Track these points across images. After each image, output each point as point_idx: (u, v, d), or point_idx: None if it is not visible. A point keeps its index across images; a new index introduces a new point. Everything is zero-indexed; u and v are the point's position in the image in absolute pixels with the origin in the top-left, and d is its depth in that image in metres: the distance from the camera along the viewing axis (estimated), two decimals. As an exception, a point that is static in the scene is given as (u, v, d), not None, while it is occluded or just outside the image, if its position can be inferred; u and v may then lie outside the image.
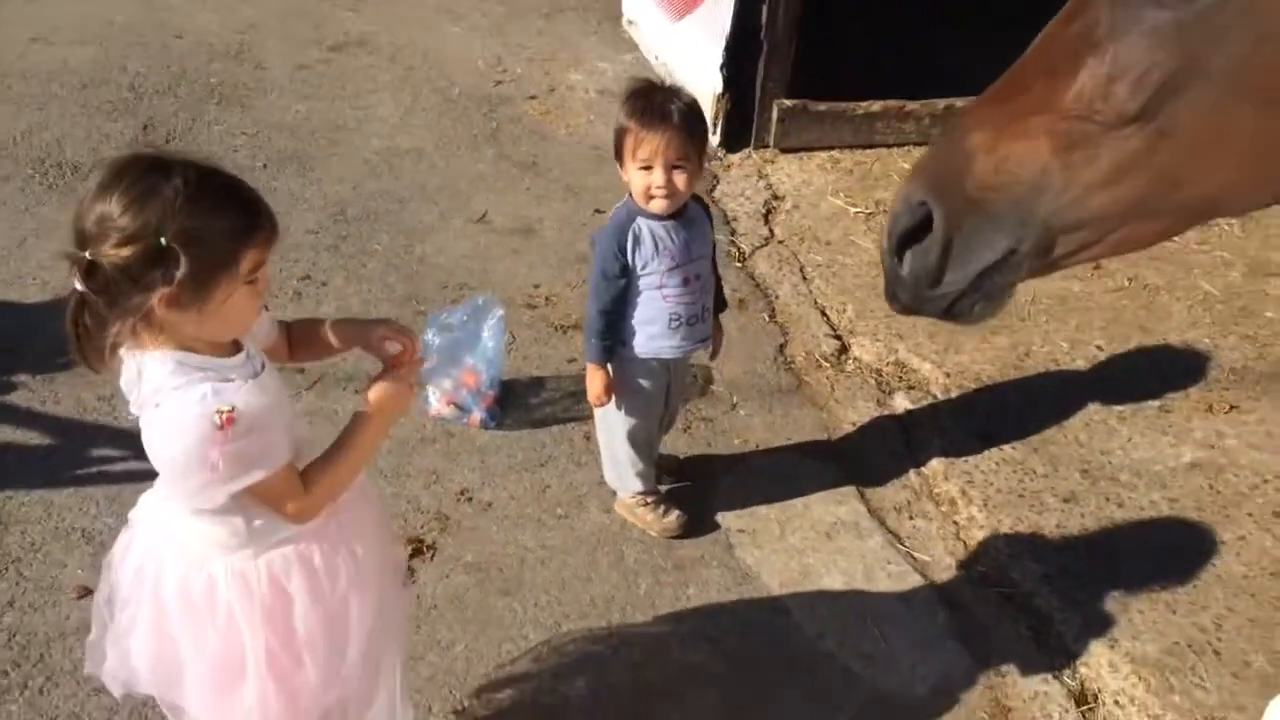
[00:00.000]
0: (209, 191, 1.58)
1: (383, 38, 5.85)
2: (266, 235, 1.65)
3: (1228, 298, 4.02)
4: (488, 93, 5.38)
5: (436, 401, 3.31)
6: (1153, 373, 3.62)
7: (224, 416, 1.57)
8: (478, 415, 3.30)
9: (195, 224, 1.54)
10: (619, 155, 2.59)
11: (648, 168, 2.53)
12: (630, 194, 2.61)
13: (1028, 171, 1.49)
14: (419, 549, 2.88)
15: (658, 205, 2.57)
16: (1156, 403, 3.49)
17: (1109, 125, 1.44)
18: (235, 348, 1.72)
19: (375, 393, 1.81)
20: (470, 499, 3.06)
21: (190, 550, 1.77)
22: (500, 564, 2.87)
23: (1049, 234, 1.53)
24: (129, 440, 3.06)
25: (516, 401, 3.43)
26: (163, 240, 1.52)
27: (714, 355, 2.96)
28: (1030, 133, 1.48)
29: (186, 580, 1.77)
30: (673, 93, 2.60)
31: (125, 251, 1.52)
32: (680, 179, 2.54)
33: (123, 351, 1.62)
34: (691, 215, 2.67)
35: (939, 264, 1.56)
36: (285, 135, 4.84)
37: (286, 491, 1.70)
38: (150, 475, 1.89)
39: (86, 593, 2.67)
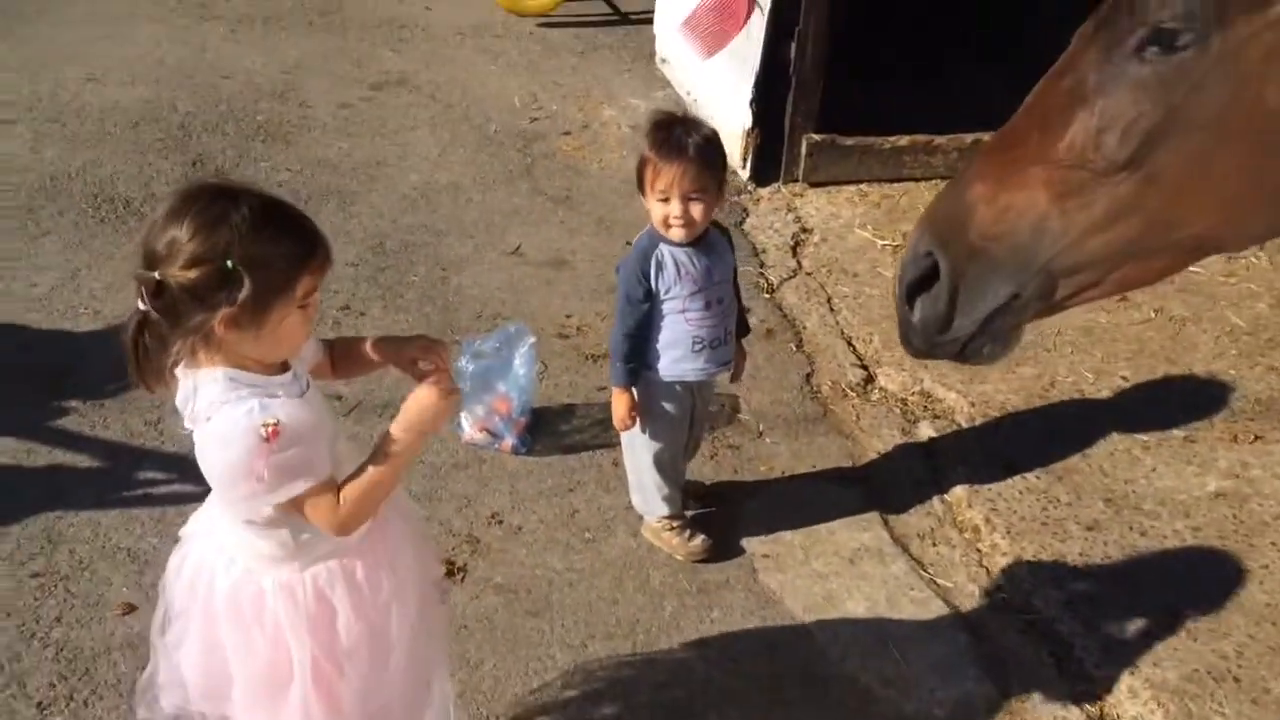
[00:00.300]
0: (272, 219, 1.70)
1: (422, 76, 6.01)
2: (321, 263, 1.75)
3: (1254, 329, 4.03)
4: (523, 129, 5.52)
5: (469, 427, 3.40)
6: (1178, 403, 3.64)
7: (269, 429, 1.67)
8: (509, 441, 3.39)
9: (259, 250, 1.65)
10: (640, 185, 2.69)
11: (665, 198, 2.63)
12: (651, 222, 2.71)
13: (1026, 220, 1.58)
14: (450, 570, 2.96)
15: (675, 234, 2.66)
16: (1181, 432, 3.51)
17: (1101, 173, 1.52)
18: (283, 367, 1.82)
19: (412, 404, 1.84)
20: (500, 522, 3.14)
21: (239, 563, 1.87)
22: (529, 586, 2.95)
23: (1050, 278, 1.61)
24: (174, 464, 3.21)
25: (547, 428, 3.51)
26: (229, 263, 1.63)
27: (735, 378, 3.04)
28: (1028, 183, 1.57)
29: (236, 591, 1.86)
30: (692, 125, 2.69)
31: (193, 273, 1.63)
32: (696, 209, 2.64)
33: (179, 371, 1.72)
34: (712, 241, 2.76)
35: (947, 311, 1.65)
36: (327, 171, 5.00)
37: (324, 505, 1.77)
38: (196, 497, 1.99)
39: (130, 609, 2.78)
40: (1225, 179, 1.51)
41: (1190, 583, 2.97)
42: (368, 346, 2.01)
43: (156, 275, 1.63)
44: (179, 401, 1.76)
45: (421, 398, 1.84)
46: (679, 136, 2.63)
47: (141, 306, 1.65)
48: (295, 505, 1.76)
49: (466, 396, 3.35)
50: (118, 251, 4.25)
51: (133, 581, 2.86)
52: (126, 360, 1.71)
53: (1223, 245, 1.69)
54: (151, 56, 6.02)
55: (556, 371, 3.78)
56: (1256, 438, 3.49)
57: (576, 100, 5.85)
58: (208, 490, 1.85)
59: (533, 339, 3.42)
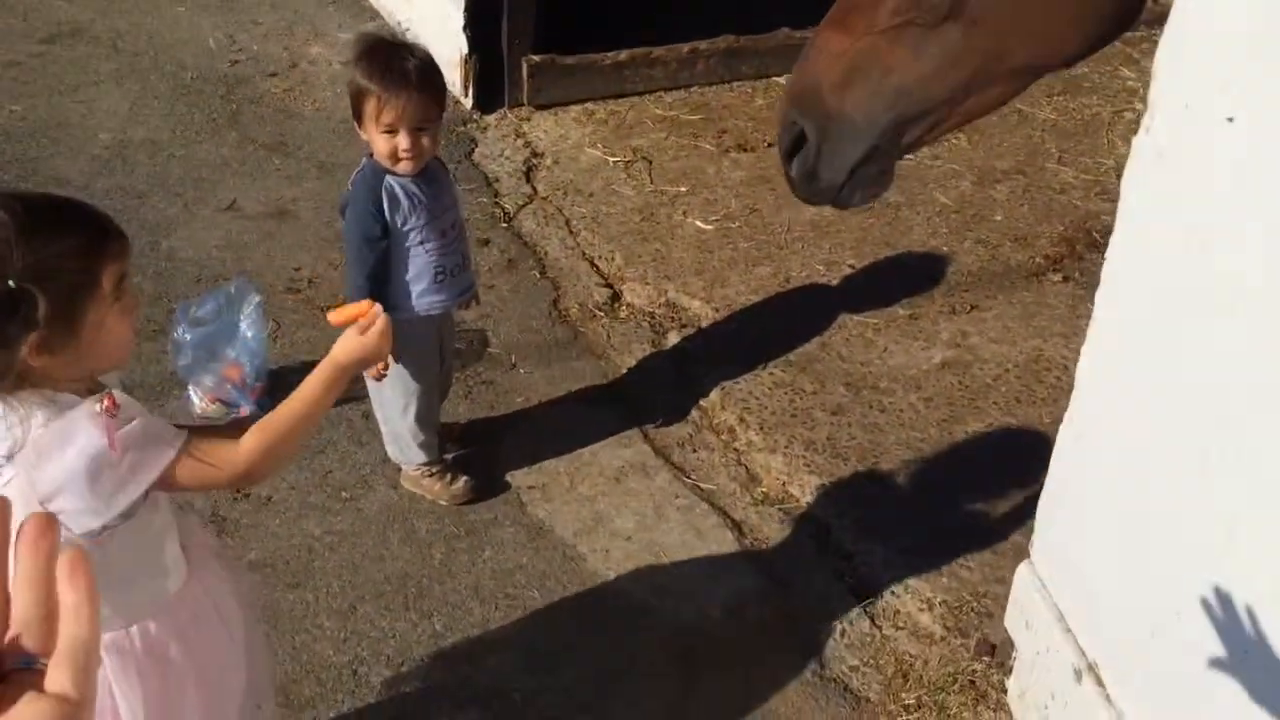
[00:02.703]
0: (43, 217, 1.47)
1: (100, 25, 5.45)
2: (119, 246, 1.56)
3: (960, 207, 4.31)
4: (224, 74, 5.11)
5: (200, 401, 3.16)
6: (900, 284, 3.85)
7: (103, 401, 1.50)
8: (247, 409, 3.18)
9: (39, 256, 1.43)
10: (358, 117, 2.54)
11: (392, 131, 2.49)
12: (372, 154, 2.57)
13: (870, 81, 1.71)
14: (198, 555, 2.76)
15: (405, 167, 2.55)
16: (906, 311, 3.72)
17: (930, 25, 1.66)
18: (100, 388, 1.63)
19: (336, 346, 1.75)
20: (247, 496, 2.96)
21: None
22: (286, 557, 2.79)
23: (900, 127, 1.75)
24: None
25: (287, 390, 3.26)
26: (10, 283, 1.40)
27: (471, 303, 2.93)
28: (866, 47, 1.70)
29: None
30: (408, 50, 2.56)
31: None
32: (425, 140, 2.53)
33: None
34: (432, 168, 2.65)
35: (815, 167, 1.80)
36: (0, 138, 4.47)
37: (218, 452, 1.62)
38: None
39: None
40: (1034, 13, 1.66)
41: (927, 450, 3.16)
42: None
43: None
44: None
45: (349, 339, 1.75)
46: (400, 65, 2.48)
47: None
48: (186, 476, 1.59)
49: (190, 368, 3.12)
50: None
51: None
52: None
53: (1049, 66, 1.83)
54: None
55: (291, 328, 3.57)
56: (973, 307, 3.74)
57: (280, 39, 5.48)
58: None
59: (258, 297, 3.20)
